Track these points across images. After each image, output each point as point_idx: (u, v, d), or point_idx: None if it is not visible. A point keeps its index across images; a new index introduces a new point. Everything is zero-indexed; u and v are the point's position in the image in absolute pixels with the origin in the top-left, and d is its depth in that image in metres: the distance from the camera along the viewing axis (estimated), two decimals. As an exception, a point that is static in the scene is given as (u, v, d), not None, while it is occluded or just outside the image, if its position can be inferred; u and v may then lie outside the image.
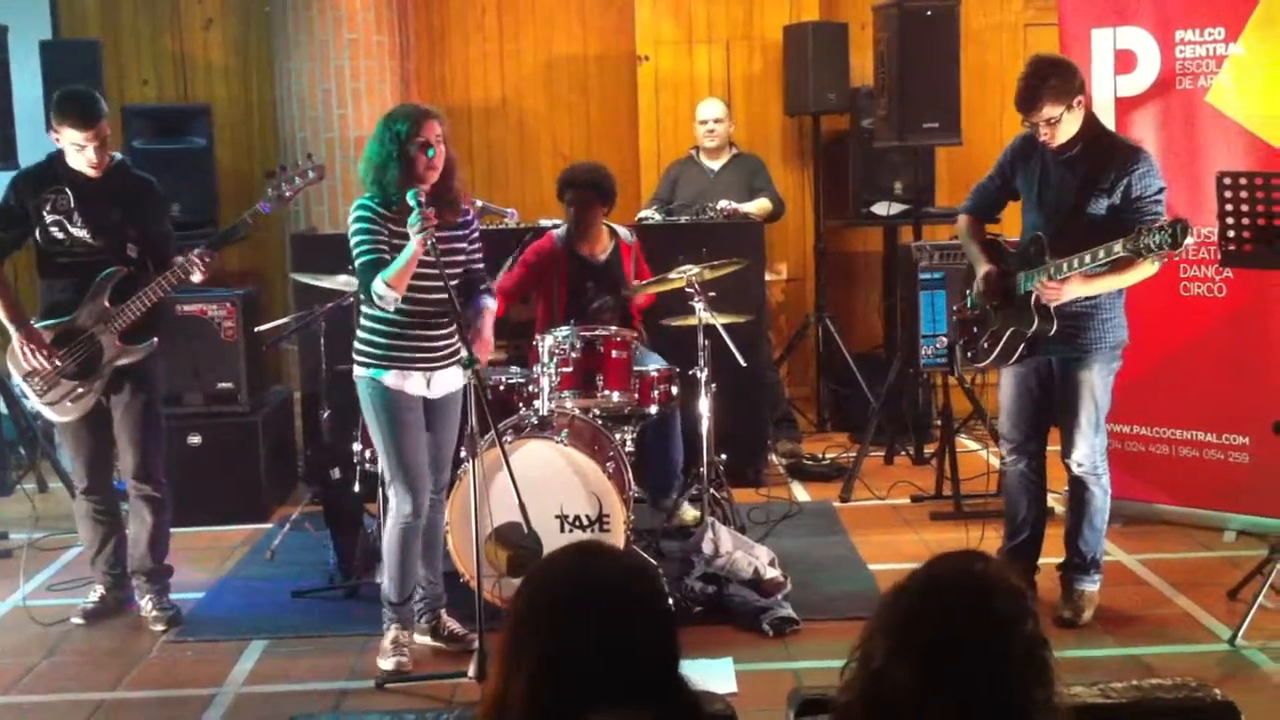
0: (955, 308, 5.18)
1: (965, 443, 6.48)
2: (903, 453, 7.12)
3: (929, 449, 6.89)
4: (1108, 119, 5.80)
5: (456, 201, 4.52)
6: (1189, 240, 4.16)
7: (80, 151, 4.79)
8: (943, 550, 1.91)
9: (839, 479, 6.68)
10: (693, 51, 8.31)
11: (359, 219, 4.41)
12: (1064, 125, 4.49)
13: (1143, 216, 4.40)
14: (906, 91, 6.75)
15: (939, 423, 6.53)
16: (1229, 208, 4.67)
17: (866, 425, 6.90)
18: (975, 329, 4.89)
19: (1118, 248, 4.28)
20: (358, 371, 4.52)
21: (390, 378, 4.45)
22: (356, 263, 4.42)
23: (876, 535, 5.88)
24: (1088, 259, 4.37)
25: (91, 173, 4.84)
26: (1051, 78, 4.46)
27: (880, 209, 7.76)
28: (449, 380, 4.56)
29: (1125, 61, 5.78)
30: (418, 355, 4.47)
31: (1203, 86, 5.59)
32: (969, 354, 4.94)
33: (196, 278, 4.83)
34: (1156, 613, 4.91)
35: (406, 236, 4.34)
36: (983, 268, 4.81)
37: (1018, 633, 1.75)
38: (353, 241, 4.42)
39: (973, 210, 4.97)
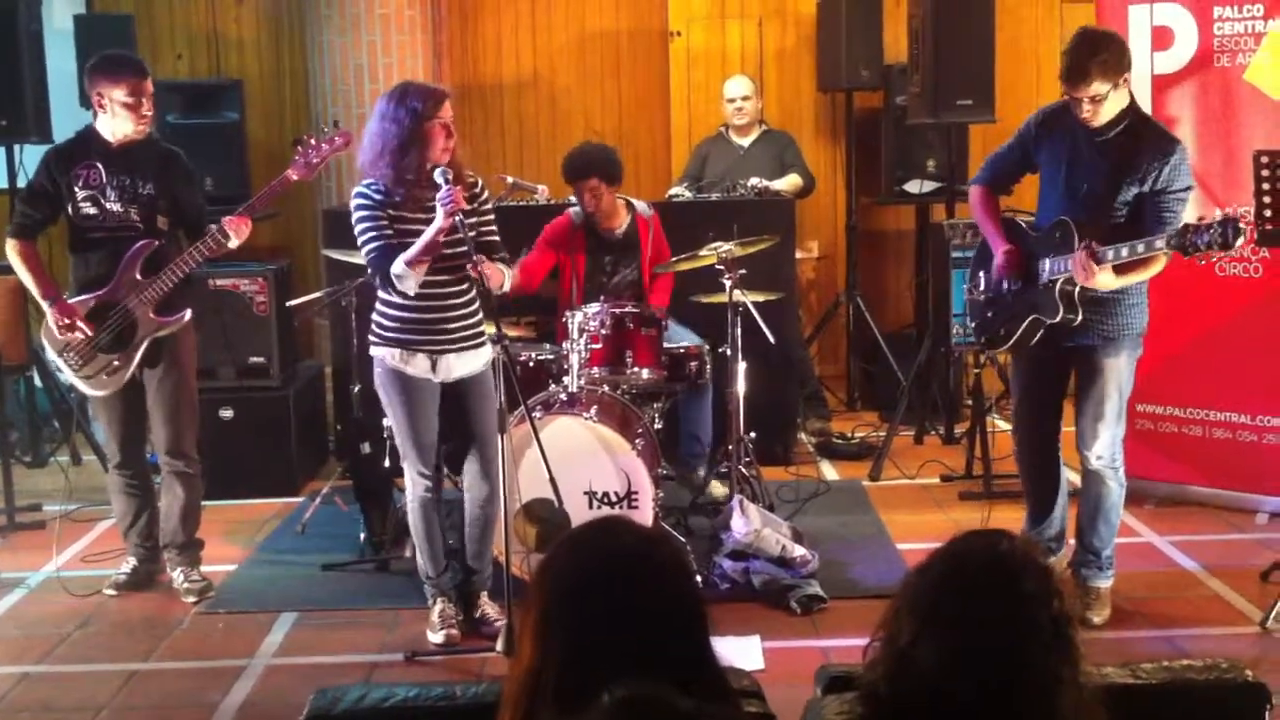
0: (968, 286, 4.96)
1: (996, 422, 6.44)
2: (933, 432, 7.09)
3: (959, 428, 6.86)
4: (1144, 96, 5.75)
5: (463, 178, 4.45)
6: (1239, 242, 3.97)
7: (131, 110, 4.76)
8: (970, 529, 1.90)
9: (868, 458, 6.66)
10: (725, 27, 8.28)
11: (359, 207, 4.38)
12: (1108, 104, 4.28)
13: (1160, 212, 4.24)
14: (941, 68, 6.69)
15: (969, 402, 6.49)
16: (1266, 186, 4.61)
17: (896, 404, 6.87)
18: (990, 312, 4.70)
19: (1159, 243, 4.11)
20: (371, 349, 4.55)
21: (394, 357, 4.45)
22: (364, 252, 4.41)
23: (905, 515, 5.86)
24: (1124, 252, 4.17)
25: (137, 134, 4.82)
26: (1102, 52, 4.23)
27: (913, 187, 7.71)
28: (463, 364, 4.51)
29: (1162, 38, 5.72)
30: (423, 338, 4.44)
31: (1240, 64, 5.53)
32: (984, 338, 4.78)
33: (234, 243, 4.78)
34: (1188, 595, 4.88)
35: (408, 221, 4.34)
36: (1002, 246, 4.59)
37: (1044, 611, 1.74)
38: (357, 230, 4.40)
39: (988, 181, 4.74)
